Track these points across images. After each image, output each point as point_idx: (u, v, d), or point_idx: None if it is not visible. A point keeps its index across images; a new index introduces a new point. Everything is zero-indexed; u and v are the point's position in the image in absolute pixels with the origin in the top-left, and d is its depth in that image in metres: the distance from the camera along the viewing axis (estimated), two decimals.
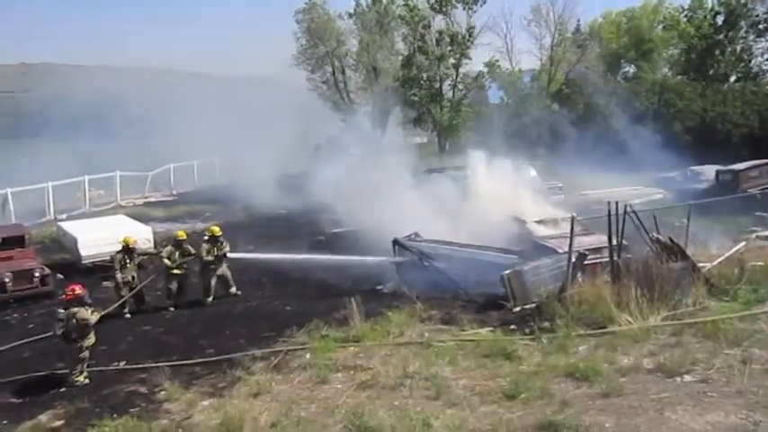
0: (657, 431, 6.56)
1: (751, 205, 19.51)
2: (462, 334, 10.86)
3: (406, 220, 16.05)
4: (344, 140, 30.67)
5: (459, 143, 42.15)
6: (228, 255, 14.81)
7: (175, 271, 14.43)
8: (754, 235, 17.31)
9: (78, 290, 10.52)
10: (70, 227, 19.13)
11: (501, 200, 17.80)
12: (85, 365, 10.35)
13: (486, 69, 45.39)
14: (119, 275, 14.03)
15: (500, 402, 7.84)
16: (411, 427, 7.06)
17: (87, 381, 10.21)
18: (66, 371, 10.32)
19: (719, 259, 13.36)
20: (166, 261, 14.39)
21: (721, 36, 43.40)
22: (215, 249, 14.61)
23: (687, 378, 8.08)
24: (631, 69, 48.38)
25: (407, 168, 21.10)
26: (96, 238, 17.42)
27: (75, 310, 10.27)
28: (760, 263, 13.16)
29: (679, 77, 45.30)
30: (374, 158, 22.62)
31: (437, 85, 44.19)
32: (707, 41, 43.23)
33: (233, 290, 14.97)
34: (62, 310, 10.39)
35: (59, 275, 16.61)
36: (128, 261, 14.19)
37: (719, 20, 43.81)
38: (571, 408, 7.35)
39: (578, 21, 47.95)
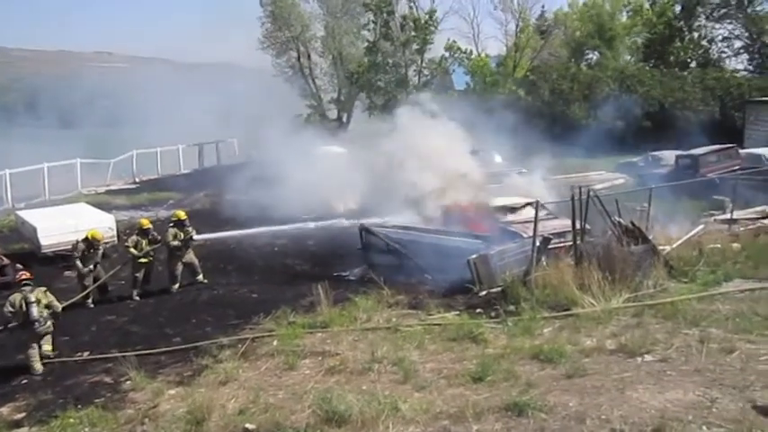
0: (619, 409, 6.70)
1: (710, 189, 19.91)
2: (429, 318, 10.92)
3: None
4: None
5: None
6: (194, 237, 14.75)
7: (142, 260, 14.22)
8: (712, 218, 17.69)
9: (26, 274, 10.64)
10: (29, 215, 18.63)
11: None
12: (43, 351, 10.18)
13: (446, 53, 45.31)
14: (80, 265, 13.76)
15: (467, 385, 7.92)
16: (379, 411, 7.09)
17: (42, 368, 10.04)
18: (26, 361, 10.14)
19: (679, 242, 13.66)
20: (133, 251, 14.16)
21: (680, 23, 44.10)
22: (181, 234, 14.46)
23: (647, 358, 8.26)
24: (594, 56, 48.94)
25: None
26: (57, 226, 17.04)
27: (35, 292, 10.18)
28: (718, 245, 13.51)
29: (640, 64, 45.95)
30: None
31: (402, 71, 44.06)
32: (669, 28, 43.85)
33: (200, 277, 14.82)
34: (17, 296, 10.22)
35: (18, 265, 16.18)
36: (90, 250, 13.92)
37: (678, 7, 44.53)
38: (536, 389, 7.46)
39: (543, 7, 48.48)
